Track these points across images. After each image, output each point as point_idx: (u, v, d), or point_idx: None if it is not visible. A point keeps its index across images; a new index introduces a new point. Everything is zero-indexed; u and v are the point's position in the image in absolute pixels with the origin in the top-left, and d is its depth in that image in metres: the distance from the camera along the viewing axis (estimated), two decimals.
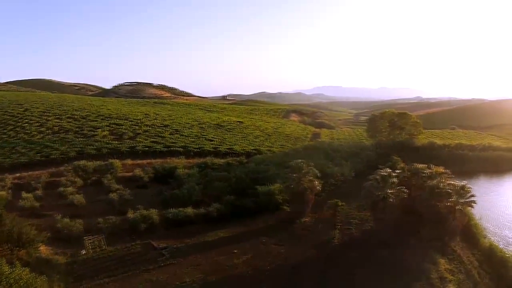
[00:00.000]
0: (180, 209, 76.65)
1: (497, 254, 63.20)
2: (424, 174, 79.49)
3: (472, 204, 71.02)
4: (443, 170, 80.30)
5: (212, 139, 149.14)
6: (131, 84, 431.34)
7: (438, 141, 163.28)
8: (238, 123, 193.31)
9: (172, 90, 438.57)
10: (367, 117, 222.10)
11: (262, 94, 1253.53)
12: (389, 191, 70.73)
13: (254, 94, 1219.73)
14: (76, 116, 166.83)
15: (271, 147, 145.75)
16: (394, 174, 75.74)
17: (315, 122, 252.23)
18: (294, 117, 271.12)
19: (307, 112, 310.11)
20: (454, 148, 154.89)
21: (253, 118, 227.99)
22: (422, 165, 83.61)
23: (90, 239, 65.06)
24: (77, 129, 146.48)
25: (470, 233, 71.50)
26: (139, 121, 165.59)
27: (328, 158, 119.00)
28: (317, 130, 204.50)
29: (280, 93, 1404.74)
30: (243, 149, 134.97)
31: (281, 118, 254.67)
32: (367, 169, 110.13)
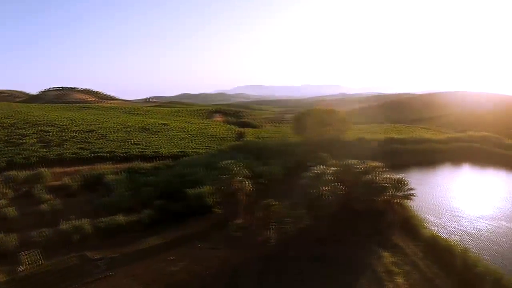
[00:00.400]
0: (112, 217, 75.16)
1: (442, 243, 63.72)
2: (357, 169, 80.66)
3: (411, 196, 72.74)
4: (377, 164, 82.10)
5: (138, 143, 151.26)
6: (56, 89, 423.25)
7: (367, 136, 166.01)
8: (163, 125, 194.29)
9: (96, 94, 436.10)
10: (291, 115, 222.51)
11: (185, 95, 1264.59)
12: (325, 188, 71.26)
13: (177, 95, 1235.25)
14: (4, 124, 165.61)
15: (197, 148, 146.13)
16: (328, 171, 76.07)
17: (239, 121, 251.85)
18: (218, 118, 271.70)
19: (231, 112, 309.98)
20: (384, 142, 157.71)
21: (177, 120, 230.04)
22: (355, 160, 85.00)
23: (26, 254, 62.09)
24: (6, 138, 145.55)
25: (410, 225, 72.45)
26: (65, 127, 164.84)
27: (256, 158, 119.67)
28: (242, 129, 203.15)
29: (202, 93, 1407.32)
30: (169, 152, 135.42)
31: (205, 119, 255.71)
32: (296, 167, 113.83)
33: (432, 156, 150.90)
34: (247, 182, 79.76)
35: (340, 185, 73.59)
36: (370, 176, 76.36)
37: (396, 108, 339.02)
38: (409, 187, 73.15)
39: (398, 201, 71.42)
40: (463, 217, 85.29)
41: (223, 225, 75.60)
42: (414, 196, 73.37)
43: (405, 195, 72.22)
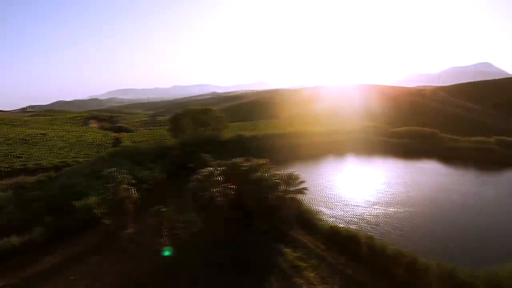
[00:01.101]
0: (5, 239, 70.17)
1: (343, 234, 64.25)
2: (244, 168, 79.88)
3: (303, 190, 73.50)
4: (263, 161, 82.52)
5: (20, 155, 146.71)
6: None
7: (246, 134, 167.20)
8: (42, 135, 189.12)
9: None
10: (164, 117, 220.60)
11: (59, 102, 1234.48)
12: (215, 190, 70.15)
13: (52, 103, 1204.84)
14: None
15: (77, 157, 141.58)
16: (217, 172, 74.89)
17: (114, 126, 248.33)
18: (93, 124, 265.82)
19: (105, 118, 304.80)
20: (264, 139, 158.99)
21: (55, 129, 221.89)
22: (239, 158, 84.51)
23: None
24: None
25: (306, 219, 72.85)
26: None
27: (136, 163, 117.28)
28: (117, 134, 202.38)
29: (76, 100, 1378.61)
30: (51, 163, 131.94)
31: (81, 126, 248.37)
32: (177, 169, 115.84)
33: (315, 149, 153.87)
34: (133, 189, 77.37)
35: (230, 185, 72.93)
36: (259, 173, 75.97)
37: (269, 104, 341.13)
38: (301, 181, 73.84)
39: (291, 196, 71.54)
40: (357, 205, 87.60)
41: (114, 237, 72.79)
42: (306, 189, 74.29)
43: (298, 189, 72.78)
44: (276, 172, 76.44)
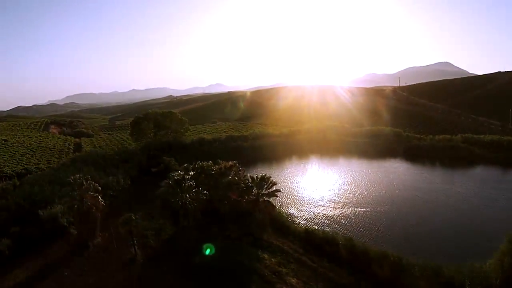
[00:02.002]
0: None
1: (319, 236, 63.08)
2: (214, 172, 77.30)
3: (276, 193, 71.86)
4: (232, 163, 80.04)
5: None
6: None
7: (207, 136, 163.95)
8: (4, 141, 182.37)
9: None
10: (122, 121, 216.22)
11: (19, 108, 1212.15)
12: (187, 196, 66.87)
13: (12, 109, 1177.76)
14: None
15: (39, 163, 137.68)
16: (188, 177, 70.42)
17: (75, 131, 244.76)
18: (53, 129, 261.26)
19: (65, 123, 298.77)
20: (226, 141, 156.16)
21: (16, 135, 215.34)
22: (206, 162, 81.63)
23: None
24: None
25: (279, 222, 70.96)
26: None
27: (99, 168, 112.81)
28: (78, 139, 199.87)
29: (35, 105, 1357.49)
30: (14, 170, 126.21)
31: (42, 131, 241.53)
32: (141, 174, 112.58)
33: (278, 149, 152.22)
34: (99, 196, 73.17)
35: (202, 189, 69.49)
36: (229, 177, 73.72)
37: (227, 106, 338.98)
38: (274, 183, 71.40)
39: (264, 199, 69.51)
40: (326, 206, 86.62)
41: (84, 247, 68.58)
42: (280, 192, 73.16)
43: (271, 192, 70.69)
44: (247, 175, 74.78)
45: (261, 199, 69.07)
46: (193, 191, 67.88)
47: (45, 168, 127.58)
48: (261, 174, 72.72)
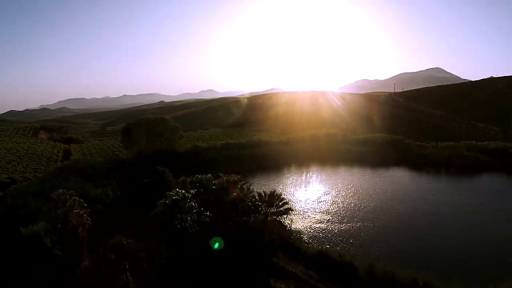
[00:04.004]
0: None
1: (335, 258, 56.23)
2: (217, 187, 68.15)
3: (289, 211, 63.57)
4: (236, 178, 70.86)
5: None
6: None
7: (202, 144, 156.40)
8: None
9: None
10: (113, 126, 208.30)
11: (12, 112, 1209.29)
12: (188, 219, 57.85)
13: (4, 113, 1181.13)
14: None
15: (25, 172, 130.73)
16: (189, 195, 61.47)
17: (64, 137, 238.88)
18: (43, 135, 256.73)
19: (55, 128, 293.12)
20: (222, 149, 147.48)
21: (3, 140, 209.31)
22: (206, 176, 72.35)
23: None
24: None
25: (289, 242, 63.39)
26: None
27: (88, 179, 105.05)
28: (67, 146, 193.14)
29: (27, 110, 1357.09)
30: None
31: (31, 137, 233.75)
32: (132, 185, 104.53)
33: (276, 158, 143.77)
34: (85, 216, 65.12)
35: (204, 210, 60.70)
36: (235, 194, 65.28)
37: (217, 113, 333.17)
38: (284, 201, 63.32)
39: (274, 218, 62.12)
40: (334, 221, 79.51)
41: (70, 270, 60.97)
42: (292, 210, 66.08)
43: (281, 211, 62.66)
44: (254, 190, 67.13)
45: (269, 218, 61.19)
46: (195, 213, 59.20)
47: (31, 178, 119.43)
48: (269, 191, 64.48)
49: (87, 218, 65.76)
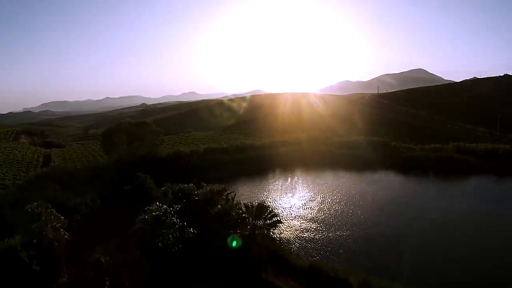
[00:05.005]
0: None
1: (327, 272, 52.78)
2: (196, 197, 65.08)
3: (277, 224, 59.47)
4: (220, 187, 67.36)
5: None
6: None
7: (184, 149, 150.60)
8: None
9: None
10: (95, 130, 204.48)
11: None
12: (170, 236, 53.90)
13: None
14: None
15: (4, 178, 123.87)
16: (170, 210, 58.10)
17: (45, 141, 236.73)
18: (24, 139, 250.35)
19: (36, 132, 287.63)
20: (205, 154, 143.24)
21: None
22: (188, 185, 69.62)
23: None
24: None
25: (278, 254, 59.97)
26: None
27: (67, 186, 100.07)
28: (48, 150, 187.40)
29: (10, 113, 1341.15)
30: None
31: (12, 141, 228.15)
32: (112, 193, 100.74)
33: (260, 163, 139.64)
34: (62, 230, 60.66)
35: (188, 223, 56.93)
36: (219, 206, 61.41)
37: (199, 115, 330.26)
38: (273, 213, 59.25)
39: (262, 231, 57.55)
40: (325, 230, 75.76)
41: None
42: (282, 223, 61.81)
43: (269, 223, 58.46)
44: (241, 202, 63.54)
45: (257, 231, 57.19)
46: (177, 228, 55.27)
47: (10, 185, 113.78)
48: (257, 202, 60.90)
49: (64, 232, 61.24)
